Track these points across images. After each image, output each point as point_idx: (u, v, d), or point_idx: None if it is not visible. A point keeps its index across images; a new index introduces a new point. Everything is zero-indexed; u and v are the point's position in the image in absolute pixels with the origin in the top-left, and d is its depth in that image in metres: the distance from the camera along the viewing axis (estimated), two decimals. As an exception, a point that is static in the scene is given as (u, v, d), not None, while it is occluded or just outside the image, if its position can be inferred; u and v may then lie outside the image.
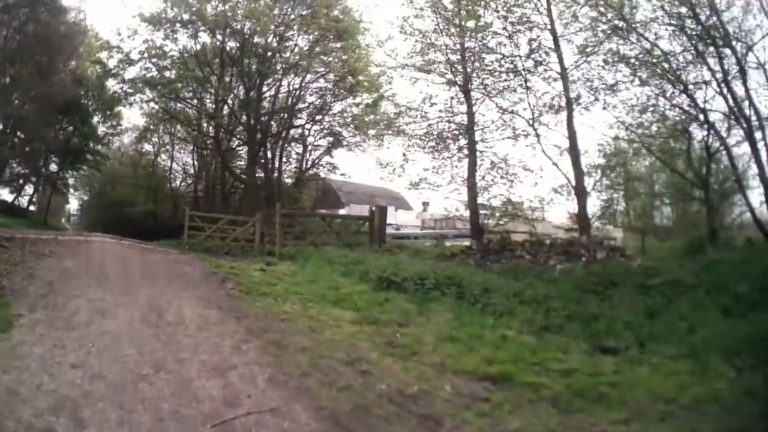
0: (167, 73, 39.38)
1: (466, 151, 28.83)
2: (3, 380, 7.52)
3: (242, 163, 45.94)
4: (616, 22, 25.80)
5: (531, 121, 27.59)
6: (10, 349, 8.76)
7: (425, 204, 48.71)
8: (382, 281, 15.01)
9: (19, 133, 46.77)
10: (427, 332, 10.67)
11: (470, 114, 28.91)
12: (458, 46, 29.07)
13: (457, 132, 29.49)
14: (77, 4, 43.51)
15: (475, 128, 28.70)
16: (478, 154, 28.49)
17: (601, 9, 26.02)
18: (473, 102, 29.20)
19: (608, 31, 26.13)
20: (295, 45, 38.25)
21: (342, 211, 45.23)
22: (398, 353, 9.42)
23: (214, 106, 42.09)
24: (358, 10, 37.84)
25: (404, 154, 30.58)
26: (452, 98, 29.72)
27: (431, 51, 29.93)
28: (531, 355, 9.35)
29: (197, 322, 11.40)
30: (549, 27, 26.86)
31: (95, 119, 52.46)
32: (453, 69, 29.35)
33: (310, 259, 20.45)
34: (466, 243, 27.35)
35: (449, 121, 29.60)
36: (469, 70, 28.75)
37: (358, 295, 13.86)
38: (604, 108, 27.09)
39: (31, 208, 56.17)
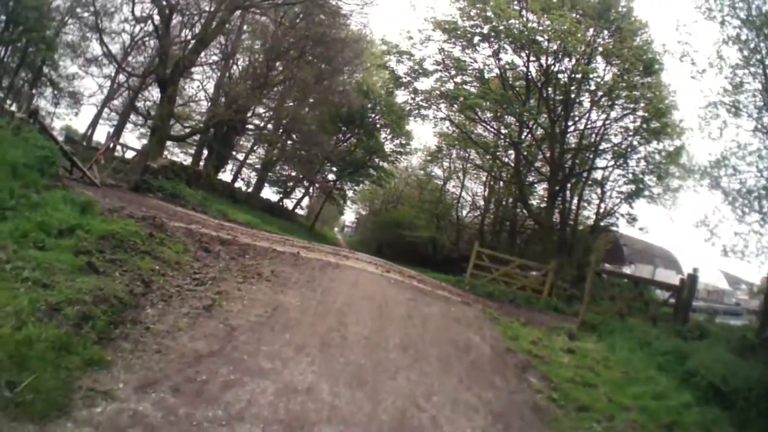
0: (466, 88, 37.50)
1: (774, 215, 24.03)
2: None
3: (536, 201, 43.94)
4: None
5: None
6: None
7: (695, 270, 43.97)
8: (710, 390, 11.52)
9: (294, 135, 47.69)
10: None
11: (781, 169, 24.09)
12: (761, 85, 24.60)
13: (764, 191, 24.62)
14: (359, 8, 41.74)
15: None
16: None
17: None
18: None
19: None
20: (602, 78, 35.50)
21: (626, 270, 40.49)
22: None
23: (516, 133, 39.75)
24: (664, 44, 34.26)
25: (715, 211, 26.06)
26: (761, 149, 25.32)
27: (739, 91, 25.52)
28: None
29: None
30: None
31: (382, 135, 53.31)
32: (760, 113, 24.94)
33: (617, 335, 16.38)
34: (739, 323, 25.03)
35: (761, 176, 24.80)
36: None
37: (686, 412, 10.36)
38: None
39: (300, 211, 59.35)
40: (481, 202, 52.38)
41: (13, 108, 22.92)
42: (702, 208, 58.30)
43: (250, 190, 49.40)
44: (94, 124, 45.64)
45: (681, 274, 39.16)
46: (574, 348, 14.24)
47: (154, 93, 41.25)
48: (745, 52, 24.51)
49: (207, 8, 36.65)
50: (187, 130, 43.78)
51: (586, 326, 17.94)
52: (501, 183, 47.18)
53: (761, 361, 14.35)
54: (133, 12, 38.57)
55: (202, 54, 39.34)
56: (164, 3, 34.43)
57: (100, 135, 45.07)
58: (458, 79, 37.29)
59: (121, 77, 44.03)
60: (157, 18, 36.20)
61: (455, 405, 8.61)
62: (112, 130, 41.77)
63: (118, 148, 31.63)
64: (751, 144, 25.03)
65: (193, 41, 36.93)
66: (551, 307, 24.17)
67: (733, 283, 42.16)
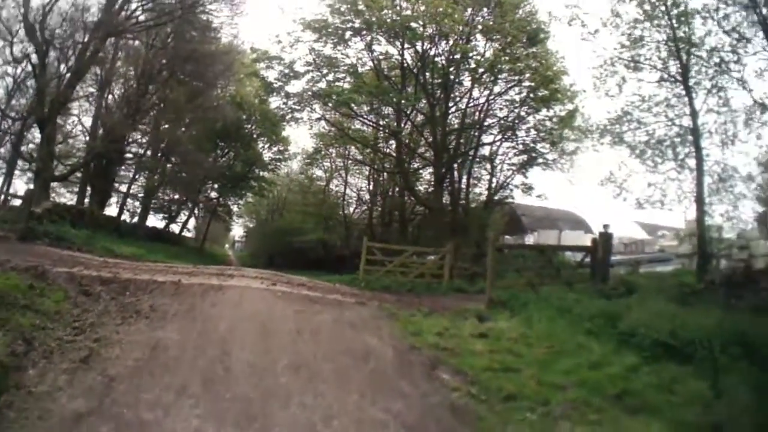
0: (339, 84, 36.92)
1: (690, 162, 24.04)
2: None
3: (424, 186, 44.13)
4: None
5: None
6: None
7: (606, 227, 44.70)
8: (657, 347, 10.42)
9: (173, 158, 46.28)
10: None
11: (694, 115, 24.36)
12: (666, 36, 24.79)
13: (678, 139, 24.70)
14: (228, 20, 41.48)
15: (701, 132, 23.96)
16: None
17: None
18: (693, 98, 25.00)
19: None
20: (482, 55, 35.28)
21: (529, 239, 40.82)
22: None
23: (395, 123, 39.49)
24: (550, 12, 34.12)
25: (621, 167, 26.19)
26: (669, 98, 25.56)
27: (638, 45, 25.73)
28: None
29: None
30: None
31: (260, 144, 52.70)
32: (665, 63, 25.25)
33: (531, 307, 14.93)
34: (668, 269, 25.25)
35: (672, 124, 24.86)
36: (683, 62, 24.55)
37: (634, 376, 9.35)
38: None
39: (188, 234, 58.37)
40: (367, 197, 52.72)
41: None
42: (605, 165, 58.88)
43: (135, 220, 47.68)
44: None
45: (591, 233, 39.59)
46: (485, 331, 12.78)
47: (37, 135, 39.32)
48: (646, 6, 24.69)
49: (80, 39, 35.29)
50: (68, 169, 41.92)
51: (494, 304, 16.59)
52: (384, 174, 47.32)
53: (713, 306, 13.61)
54: (11, 52, 37.06)
55: (78, 87, 37.90)
56: (39, 39, 33.34)
57: (-7, 186, 43.82)
58: (330, 77, 36.85)
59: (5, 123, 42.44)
60: (34, 56, 34.98)
61: (360, 425, 7.52)
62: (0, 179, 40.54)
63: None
64: (657, 95, 25.16)
65: (68, 75, 35.44)
66: (454, 288, 23.83)
67: (652, 232, 43.01)
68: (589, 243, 21.26)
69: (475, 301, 17.97)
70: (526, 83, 35.30)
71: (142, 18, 36.96)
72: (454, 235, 30.61)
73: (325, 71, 36.31)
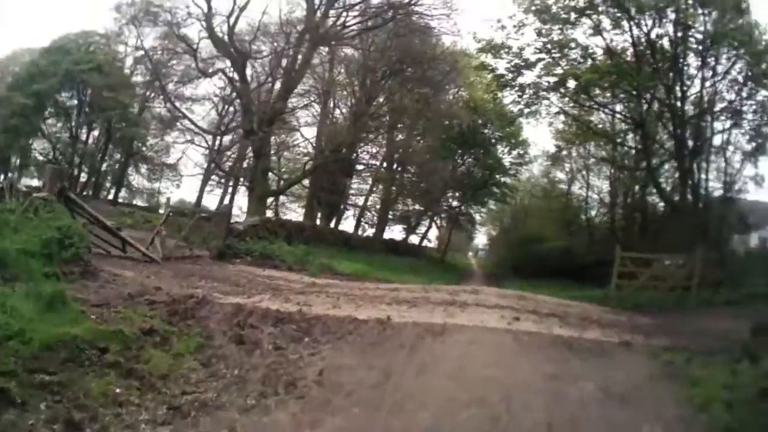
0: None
1: None
2: None
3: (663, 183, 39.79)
4: None
5: None
6: None
7: None
8: None
9: (409, 168, 46.62)
10: None
11: None
12: None
13: None
14: (446, 18, 39.05)
15: None
16: None
17: None
18: None
19: None
20: (702, 29, 31.21)
21: (754, 239, 37.79)
22: None
23: (637, 109, 35.81)
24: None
25: None
26: None
27: None
28: None
29: None
30: None
31: (499, 149, 51.86)
32: None
33: None
34: None
35: None
36: None
37: None
38: None
39: (429, 244, 58.86)
40: (608, 198, 48.92)
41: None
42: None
43: (370, 233, 47.71)
44: (201, 192, 47.45)
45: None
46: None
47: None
48: None
49: (281, 49, 35.98)
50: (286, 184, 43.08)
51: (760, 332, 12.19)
52: (625, 172, 43.74)
53: None
54: (197, 66, 37.79)
55: (294, 99, 39.05)
56: (234, 52, 33.49)
57: (210, 202, 46.80)
58: (564, 62, 33.79)
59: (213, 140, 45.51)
60: (230, 70, 35.91)
61: None
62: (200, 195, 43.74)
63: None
64: None
65: (277, 87, 36.19)
66: (702, 302, 20.52)
67: None
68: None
69: (723, 318, 15.72)
70: (747, 58, 31.02)
71: (350, 24, 36.54)
72: (695, 237, 26.87)
73: (557, 56, 33.66)
